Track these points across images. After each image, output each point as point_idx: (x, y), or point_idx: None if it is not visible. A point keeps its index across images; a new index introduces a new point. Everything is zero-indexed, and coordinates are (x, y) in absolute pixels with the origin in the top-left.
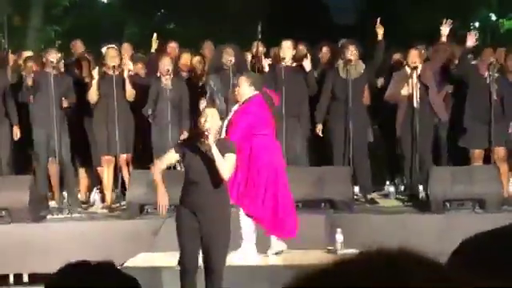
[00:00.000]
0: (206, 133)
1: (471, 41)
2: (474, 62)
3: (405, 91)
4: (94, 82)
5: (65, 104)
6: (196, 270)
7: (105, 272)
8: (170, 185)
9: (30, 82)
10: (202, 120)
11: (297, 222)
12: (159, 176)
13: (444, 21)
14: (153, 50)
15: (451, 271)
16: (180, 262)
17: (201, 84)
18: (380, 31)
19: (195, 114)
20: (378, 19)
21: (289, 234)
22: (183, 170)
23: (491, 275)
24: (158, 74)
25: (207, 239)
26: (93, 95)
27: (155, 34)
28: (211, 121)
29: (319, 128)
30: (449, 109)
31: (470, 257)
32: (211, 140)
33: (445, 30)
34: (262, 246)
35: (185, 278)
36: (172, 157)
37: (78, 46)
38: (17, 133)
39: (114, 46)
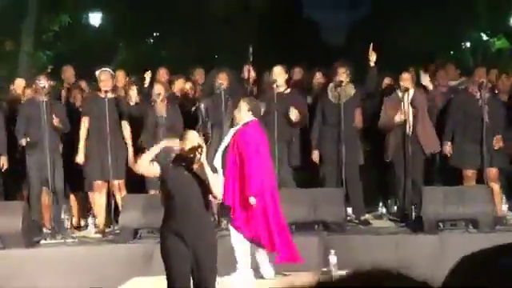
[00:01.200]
0: (197, 153)
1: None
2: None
3: (398, 118)
4: (81, 143)
5: (56, 123)
6: None
7: None
8: (148, 210)
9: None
10: (186, 142)
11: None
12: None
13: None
14: (146, 85)
15: None
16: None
17: (193, 109)
18: (372, 58)
19: None
20: (371, 45)
21: (297, 258)
22: (158, 193)
23: None
24: (151, 103)
25: (200, 263)
26: (80, 157)
27: (149, 71)
28: (193, 142)
29: (315, 154)
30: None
31: (466, 276)
32: (204, 159)
33: (425, 79)
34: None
35: None
36: (156, 170)
37: (69, 72)
38: (4, 163)
39: (107, 69)
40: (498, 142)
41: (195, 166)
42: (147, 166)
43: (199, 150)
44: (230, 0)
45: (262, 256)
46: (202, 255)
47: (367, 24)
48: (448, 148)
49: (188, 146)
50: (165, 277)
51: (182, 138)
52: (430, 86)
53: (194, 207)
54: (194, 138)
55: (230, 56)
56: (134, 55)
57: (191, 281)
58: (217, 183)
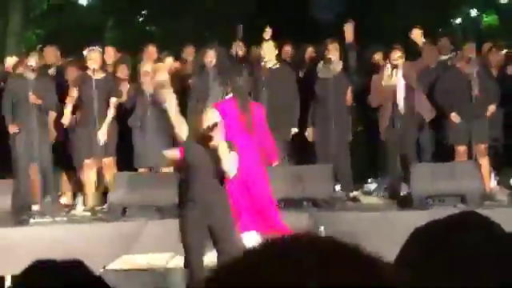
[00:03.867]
0: (213, 130)
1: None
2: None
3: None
4: (68, 108)
5: (34, 100)
6: (203, 269)
7: (71, 271)
8: (153, 186)
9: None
10: (205, 120)
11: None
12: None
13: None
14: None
15: (393, 269)
16: (186, 262)
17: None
18: (348, 31)
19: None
20: (349, 21)
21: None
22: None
23: (440, 275)
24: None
25: (217, 225)
26: (65, 119)
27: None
28: (211, 120)
29: (309, 131)
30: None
31: (418, 254)
32: (219, 137)
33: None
34: None
35: (193, 277)
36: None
37: (51, 53)
38: None
39: (94, 48)
40: (490, 111)
41: (213, 143)
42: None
43: (216, 127)
44: None
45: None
46: (219, 217)
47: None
48: (456, 117)
49: (207, 123)
50: (153, 254)
51: (204, 114)
52: (420, 43)
53: (210, 180)
54: (212, 115)
55: (220, 34)
56: (123, 33)
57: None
58: (230, 161)
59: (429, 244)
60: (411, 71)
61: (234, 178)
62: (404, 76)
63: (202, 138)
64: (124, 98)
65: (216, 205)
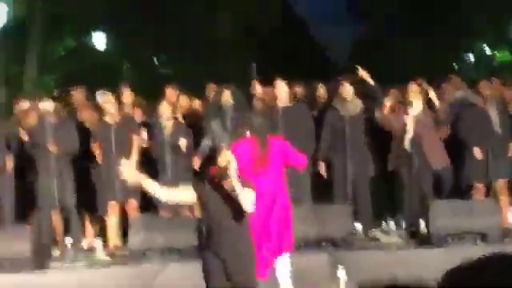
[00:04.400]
0: (228, 171)
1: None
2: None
3: (396, 124)
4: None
5: (53, 150)
6: None
7: None
8: (173, 229)
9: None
10: (221, 159)
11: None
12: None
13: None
14: None
15: None
16: None
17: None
18: (365, 76)
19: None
20: (359, 68)
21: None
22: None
23: None
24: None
25: (232, 275)
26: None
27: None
28: (226, 159)
29: (322, 166)
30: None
31: None
32: (233, 174)
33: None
34: None
35: None
36: (187, 194)
37: (79, 94)
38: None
39: (105, 92)
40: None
41: (227, 183)
42: (180, 197)
43: (229, 165)
44: (234, 23)
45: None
46: (234, 268)
47: (368, 40)
48: (478, 153)
49: (223, 163)
50: None
51: (218, 154)
52: (437, 102)
53: (227, 224)
54: (227, 155)
55: (234, 74)
56: (140, 75)
57: None
58: (247, 198)
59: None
60: (427, 117)
61: (253, 215)
62: (419, 119)
63: (217, 179)
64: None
65: (239, 254)
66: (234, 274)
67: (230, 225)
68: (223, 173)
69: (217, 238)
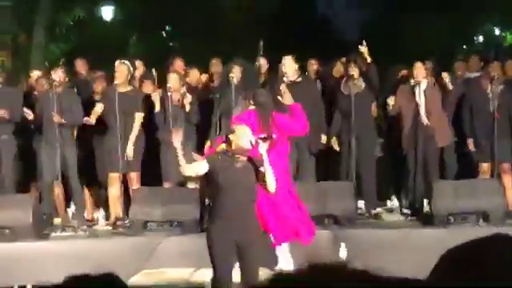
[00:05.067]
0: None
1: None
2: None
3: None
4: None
5: (57, 120)
6: (231, 283)
7: (107, 284)
8: (174, 201)
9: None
10: (235, 137)
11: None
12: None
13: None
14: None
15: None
16: (214, 280)
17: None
18: (365, 53)
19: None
20: (364, 42)
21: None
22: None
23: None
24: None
25: (245, 255)
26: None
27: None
28: (241, 137)
29: (333, 141)
30: (451, 131)
31: (448, 273)
32: (263, 151)
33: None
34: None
35: None
36: (200, 168)
37: (81, 65)
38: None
39: (124, 61)
40: None
41: (242, 160)
42: (191, 168)
43: (256, 143)
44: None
45: (283, 248)
46: (247, 247)
47: (379, 22)
48: (471, 145)
49: (236, 140)
50: (174, 269)
51: (231, 132)
52: (450, 86)
53: (241, 200)
54: (242, 133)
55: (242, 50)
56: (146, 48)
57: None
58: (272, 176)
59: (462, 262)
60: (434, 91)
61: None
62: (425, 94)
63: (233, 154)
64: (157, 108)
65: (249, 226)
66: (243, 246)
67: (244, 201)
68: (236, 150)
69: (224, 211)
